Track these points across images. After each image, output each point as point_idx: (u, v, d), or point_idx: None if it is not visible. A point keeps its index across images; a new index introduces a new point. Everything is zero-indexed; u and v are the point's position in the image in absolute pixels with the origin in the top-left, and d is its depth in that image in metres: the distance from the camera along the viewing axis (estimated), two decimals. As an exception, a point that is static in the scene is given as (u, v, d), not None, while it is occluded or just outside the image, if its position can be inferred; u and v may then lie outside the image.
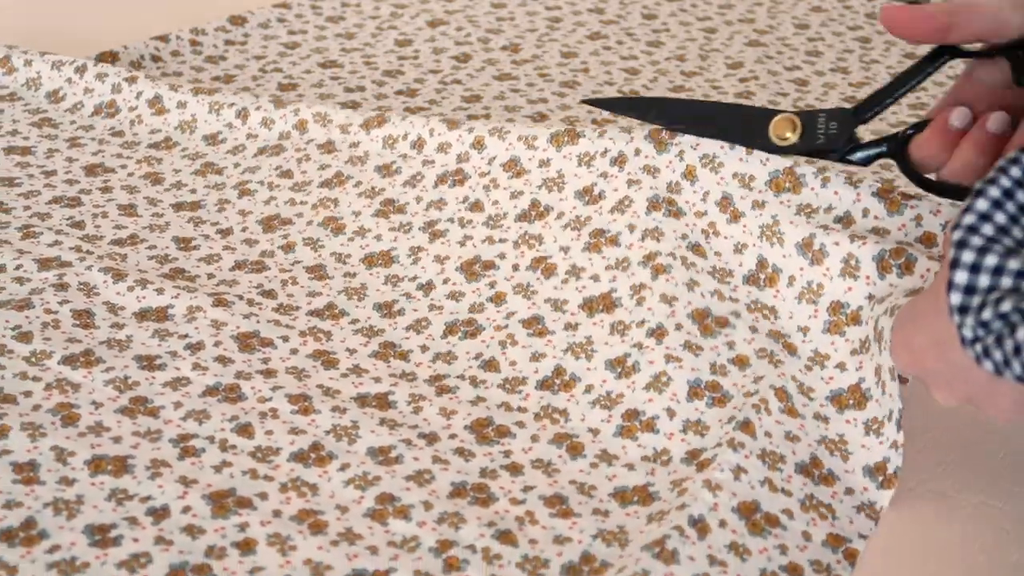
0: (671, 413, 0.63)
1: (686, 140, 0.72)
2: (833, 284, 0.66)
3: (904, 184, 0.74)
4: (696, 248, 0.71)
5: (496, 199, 0.77)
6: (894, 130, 0.72)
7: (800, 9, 1.25)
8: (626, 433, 0.62)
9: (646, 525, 0.56)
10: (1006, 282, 0.49)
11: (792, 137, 0.69)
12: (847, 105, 0.77)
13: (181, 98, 0.89)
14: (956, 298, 0.50)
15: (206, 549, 0.54)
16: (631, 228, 0.72)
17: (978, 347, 0.50)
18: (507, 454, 0.61)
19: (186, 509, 0.56)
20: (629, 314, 0.68)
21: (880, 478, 0.60)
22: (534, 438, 0.62)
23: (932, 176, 0.66)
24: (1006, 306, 0.48)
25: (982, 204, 0.51)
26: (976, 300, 0.50)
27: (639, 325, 0.67)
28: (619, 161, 0.74)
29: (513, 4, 1.22)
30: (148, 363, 0.65)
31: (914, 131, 0.65)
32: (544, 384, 0.65)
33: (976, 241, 0.50)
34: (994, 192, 0.51)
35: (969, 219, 0.51)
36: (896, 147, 0.66)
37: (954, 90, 0.65)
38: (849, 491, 0.59)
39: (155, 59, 1.03)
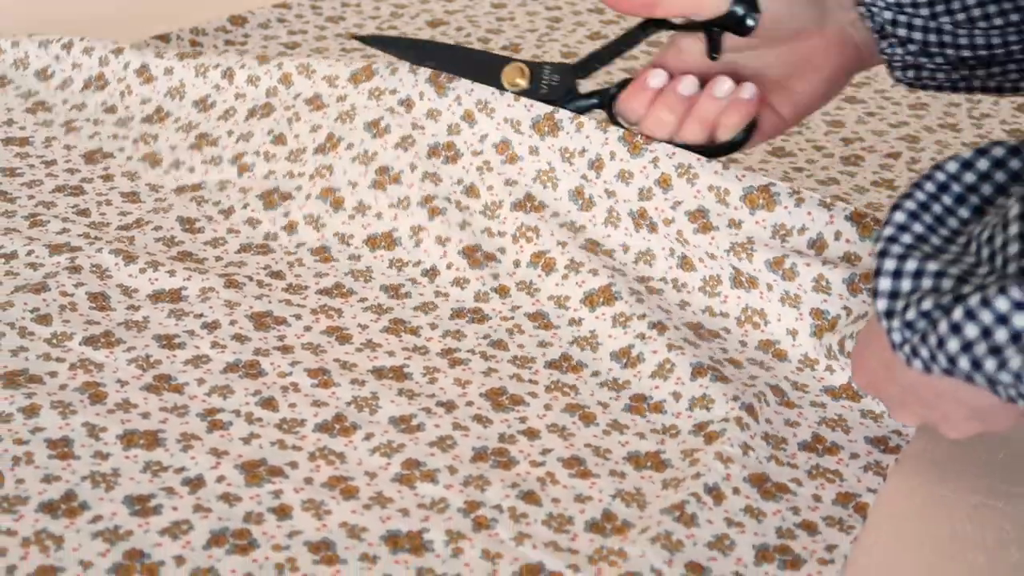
0: (677, 396, 0.65)
1: (661, 148, 0.72)
2: (808, 296, 0.69)
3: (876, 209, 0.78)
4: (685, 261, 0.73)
5: (491, 184, 0.78)
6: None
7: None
8: (635, 411, 0.65)
9: (662, 490, 0.59)
10: (927, 283, 0.52)
11: (522, 83, 0.76)
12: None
13: (167, 64, 0.89)
14: (882, 304, 0.54)
15: (244, 515, 0.56)
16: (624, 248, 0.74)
17: (906, 348, 0.53)
18: (523, 420, 0.63)
19: (220, 479, 0.58)
20: (630, 307, 0.70)
21: (882, 447, 0.63)
22: (547, 407, 0.64)
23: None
24: (927, 304, 0.52)
25: (900, 216, 0.55)
26: (900, 304, 0.53)
27: (640, 318, 0.69)
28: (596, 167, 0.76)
29: (513, 4, 1.22)
30: (167, 342, 0.67)
31: (619, 88, 0.74)
32: (552, 364, 0.68)
33: (896, 249, 0.54)
34: (910, 205, 0.55)
35: (889, 231, 0.55)
36: (606, 100, 0.75)
37: (658, 56, 0.73)
38: (854, 455, 0.62)
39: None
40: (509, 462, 0.60)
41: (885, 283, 0.53)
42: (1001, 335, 0.49)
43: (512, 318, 0.71)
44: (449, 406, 0.64)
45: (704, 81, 0.71)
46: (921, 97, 1.01)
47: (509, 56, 0.78)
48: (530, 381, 0.66)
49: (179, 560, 0.53)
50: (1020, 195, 0.51)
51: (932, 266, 0.53)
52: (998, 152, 0.55)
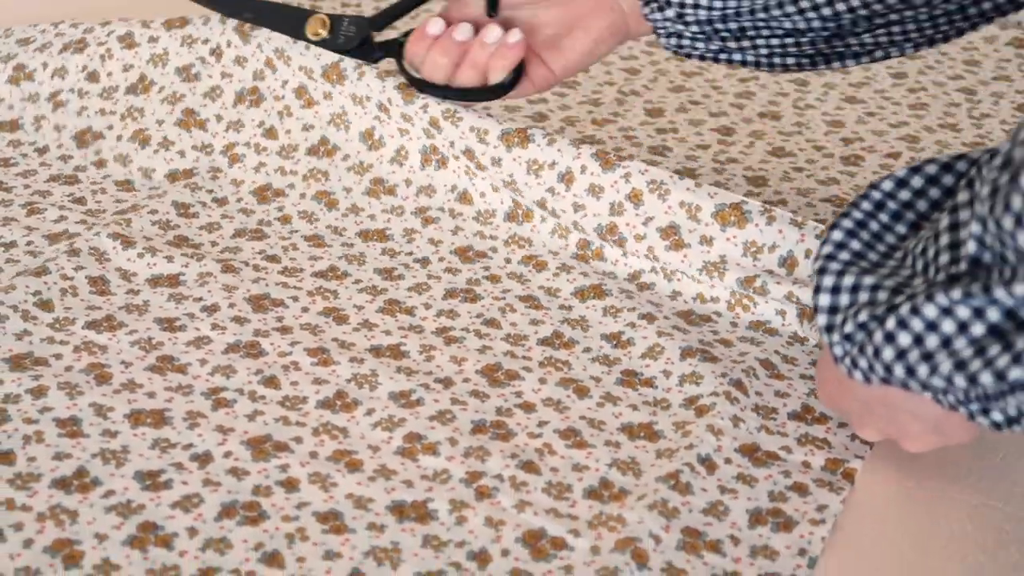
0: (667, 373, 0.67)
1: (633, 165, 0.74)
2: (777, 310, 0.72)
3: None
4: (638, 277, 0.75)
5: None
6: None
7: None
8: (627, 385, 0.67)
9: (656, 459, 0.61)
10: (863, 296, 0.55)
11: (323, 33, 0.81)
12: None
13: (152, 33, 0.87)
14: (822, 319, 0.56)
15: (253, 488, 0.57)
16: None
17: (847, 360, 0.55)
18: (519, 394, 0.65)
19: (227, 454, 0.59)
20: (620, 302, 0.72)
21: None
22: (542, 381, 0.66)
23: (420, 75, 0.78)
24: (863, 316, 0.54)
25: (837, 235, 0.57)
26: (839, 318, 0.55)
27: (630, 311, 0.71)
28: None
29: None
30: (169, 325, 0.68)
31: (407, 38, 0.78)
32: (544, 342, 0.70)
33: (834, 266, 0.56)
34: (847, 224, 0.58)
35: (827, 249, 0.57)
36: (395, 49, 0.79)
37: (442, 8, 0.78)
38: (843, 424, 0.64)
39: None
40: (507, 434, 0.62)
41: (824, 299, 0.56)
42: (932, 341, 0.51)
43: (503, 299, 0.73)
44: (447, 382, 0.65)
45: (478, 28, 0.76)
46: (921, 97, 1.02)
47: (313, 9, 0.84)
48: (524, 357, 0.68)
49: (192, 531, 0.54)
50: (951, 207, 0.53)
51: (868, 280, 0.55)
52: (931, 169, 0.57)
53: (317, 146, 0.82)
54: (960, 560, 0.57)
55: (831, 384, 0.61)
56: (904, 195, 0.58)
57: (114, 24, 0.88)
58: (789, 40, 0.73)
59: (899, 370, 0.52)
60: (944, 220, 0.53)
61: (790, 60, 0.75)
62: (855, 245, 0.57)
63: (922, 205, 0.58)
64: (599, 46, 0.76)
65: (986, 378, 0.49)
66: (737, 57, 0.75)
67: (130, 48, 0.87)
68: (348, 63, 0.80)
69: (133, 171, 0.83)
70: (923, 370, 0.51)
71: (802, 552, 0.56)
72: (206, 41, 0.85)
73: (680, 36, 0.75)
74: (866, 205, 0.58)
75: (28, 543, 0.53)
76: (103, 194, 0.81)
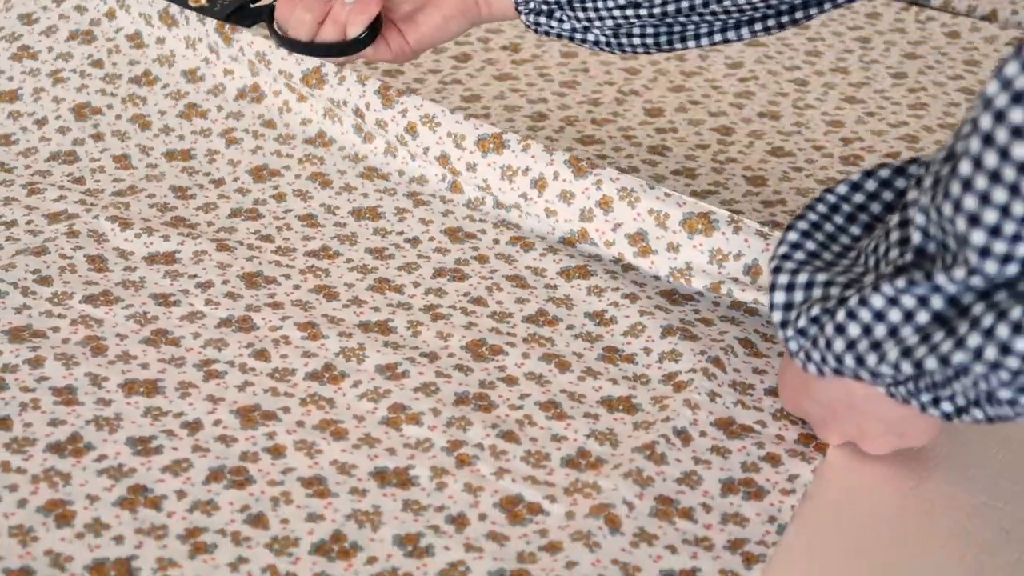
0: (648, 351, 0.69)
1: (604, 173, 0.75)
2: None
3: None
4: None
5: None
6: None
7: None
8: (608, 360, 0.68)
9: (633, 431, 0.63)
10: (817, 292, 0.57)
11: (203, 1, 0.87)
12: None
13: (159, 34, 0.91)
14: (777, 315, 0.58)
15: (240, 454, 0.59)
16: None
17: (801, 354, 0.57)
18: (502, 368, 0.67)
19: (217, 422, 0.61)
20: (604, 282, 0.74)
21: None
22: (525, 356, 0.68)
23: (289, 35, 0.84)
24: (816, 310, 0.56)
25: (792, 236, 0.59)
26: (793, 314, 0.57)
27: (614, 291, 0.73)
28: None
29: None
30: (163, 300, 0.70)
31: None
32: (529, 319, 0.72)
33: (789, 265, 0.58)
34: (803, 225, 0.60)
35: (782, 249, 0.59)
36: (267, 14, 0.85)
37: None
38: None
39: None
40: (489, 406, 0.64)
41: (780, 296, 0.58)
42: (879, 331, 0.53)
43: (491, 278, 0.75)
44: (432, 356, 0.67)
45: None
46: (921, 97, 1.03)
47: None
48: (508, 334, 0.70)
49: (180, 494, 0.56)
50: (901, 206, 0.54)
51: (822, 277, 0.57)
52: (884, 173, 0.59)
53: (313, 137, 0.85)
54: (960, 560, 0.57)
55: (792, 387, 0.63)
56: (858, 198, 0.60)
57: (121, 18, 0.91)
58: (629, 13, 0.78)
59: (849, 360, 0.54)
60: (895, 218, 0.54)
61: (636, 40, 0.80)
62: (810, 245, 0.59)
63: (875, 207, 0.60)
64: (449, 23, 0.84)
65: (931, 363, 0.51)
66: (592, 38, 0.81)
67: (138, 48, 0.91)
68: (328, 68, 0.83)
69: (131, 147, 0.85)
70: (872, 359, 0.53)
71: (772, 519, 0.58)
72: (201, 40, 0.89)
73: (539, 14, 0.81)
74: (821, 208, 0.60)
75: (22, 503, 0.55)
76: (101, 172, 0.83)
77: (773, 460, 0.62)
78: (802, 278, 0.57)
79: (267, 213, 0.80)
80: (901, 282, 0.52)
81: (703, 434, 0.63)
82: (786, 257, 0.59)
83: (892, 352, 0.52)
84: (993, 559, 0.57)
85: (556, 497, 0.58)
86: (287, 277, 0.73)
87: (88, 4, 0.91)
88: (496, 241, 0.78)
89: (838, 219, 0.60)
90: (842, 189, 0.60)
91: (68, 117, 0.87)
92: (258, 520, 0.55)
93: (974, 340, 0.49)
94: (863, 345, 0.53)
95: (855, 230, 0.60)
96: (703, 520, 0.58)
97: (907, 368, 0.52)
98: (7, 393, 0.62)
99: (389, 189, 0.82)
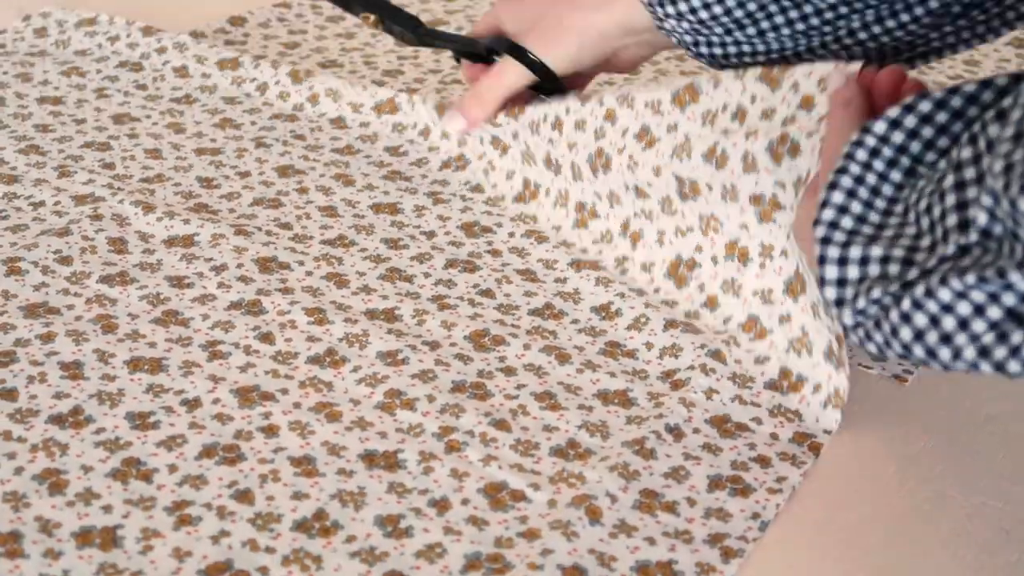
0: (649, 345, 0.69)
1: (605, 91, 0.79)
2: (742, 181, 0.70)
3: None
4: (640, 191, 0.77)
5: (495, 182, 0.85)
6: None
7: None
8: (608, 355, 0.69)
9: (626, 424, 0.63)
10: (874, 270, 0.54)
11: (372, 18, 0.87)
12: None
13: (205, 70, 0.97)
14: (831, 293, 0.55)
15: (235, 432, 0.60)
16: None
17: (860, 331, 0.54)
18: (502, 359, 0.67)
19: (216, 401, 0.62)
20: (612, 274, 0.75)
21: (835, 360, 0.65)
22: (526, 347, 0.69)
23: None
24: (876, 292, 0.53)
25: (837, 196, 0.56)
26: (850, 292, 0.54)
27: (621, 283, 0.74)
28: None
29: None
30: (178, 282, 0.72)
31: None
32: (535, 312, 0.72)
33: (839, 236, 0.55)
34: (846, 182, 0.56)
35: (828, 214, 0.56)
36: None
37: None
38: (817, 387, 0.66)
39: None
40: (485, 394, 0.65)
41: (831, 271, 0.55)
42: (948, 323, 0.50)
43: (502, 271, 0.75)
44: (434, 345, 0.68)
45: None
46: None
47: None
48: (512, 326, 0.71)
49: (172, 468, 0.58)
50: (954, 164, 0.52)
51: (876, 251, 0.54)
52: (924, 107, 0.56)
53: (342, 148, 0.88)
54: (960, 560, 0.57)
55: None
56: (897, 137, 0.56)
57: (170, 52, 0.95)
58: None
59: (919, 350, 0.52)
60: (949, 178, 0.52)
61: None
62: (856, 207, 0.56)
63: (915, 147, 0.56)
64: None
65: (1015, 367, 0.49)
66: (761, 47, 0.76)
67: (183, 78, 0.96)
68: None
69: (163, 143, 0.87)
70: (945, 353, 0.51)
71: (755, 516, 0.58)
72: (253, 80, 0.95)
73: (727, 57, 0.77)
74: (861, 155, 0.56)
75: (19, 471, 0.57)
76: (132, 160, 0.85)
77: (763, 462, 0.62)
78: (855, 252, 0.54)
79: (288, 203, 0.81)
80: (971, 278, 0.49)
81: (696, 431, 0.63)
82: (833, 225, 0.55)
83: (968, 350, 0.50)
84: (993, 559, 0.57)
85: (540, 485, 0.58)
86: (300, 263, 0.74)
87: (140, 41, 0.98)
88: (511, 235, 0.79)
89: (879, 165, 0.56)
90: (880, 128, 0.56)
91: (107, 121, 0.90)
92: (244, 496, 0.57)
93: None
94: (932, 337, 0.51)
95: (896, 176, 0.56)
96: (686, 514, 0.58)
97: (987, 368, 0.50)
98: (16, 366, 0.64)
99: (410, 189, 0.83)
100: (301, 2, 1.21)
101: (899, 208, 0.56)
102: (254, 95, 0.95)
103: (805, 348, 0.67)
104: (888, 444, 0.63)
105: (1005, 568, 0.57)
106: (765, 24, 0.74)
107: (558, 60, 0.81)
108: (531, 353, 0.68)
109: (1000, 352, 0.49)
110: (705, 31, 0.75)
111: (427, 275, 0.75)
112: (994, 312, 0.49)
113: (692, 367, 0.67)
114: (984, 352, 0.49)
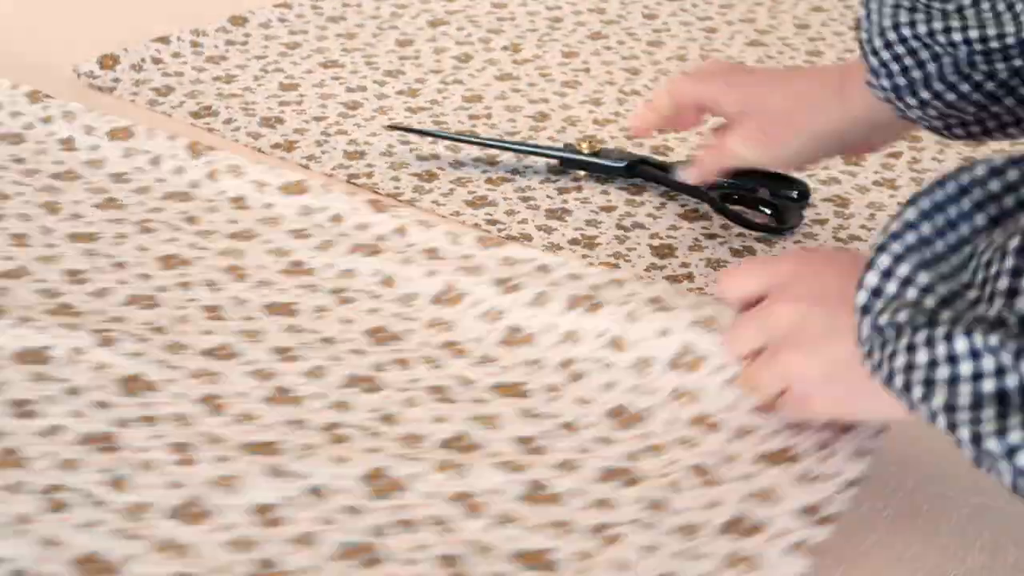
0: (550, 327, 0.69)
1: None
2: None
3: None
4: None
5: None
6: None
7: (800, 9, 1.28)
8: (507, 343, 0.68)
9: (517, 418, 0.63)
10: (911, 294, 0.51)
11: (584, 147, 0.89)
12: None
13: (94, 141, 0.89)
14: (862, 297, 0.52)
15: (115, 420, 0.60)
16: None
17: (866, 345, 0.52)
18: (397, 352, 0.68)
19: (100, 387, 0.63)
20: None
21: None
22: (424, 343, 0.68)
23: None
24: (902, 316, 0.50)
25: (911, 213, 0.52)
26: (879, 304, 0.52)
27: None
28: None
29: (514, 4, 1.25)
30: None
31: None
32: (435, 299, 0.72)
33: (896, 248, 0.52)
34: (925, 204, 0.53)
35: (895, 226, 0.52)
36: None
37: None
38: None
39: (156, 61, 1.04)
40: (376, 388, 0.64)
41: (872, 278, 0.52)
42: (941, 372, 0.48)
43: (405, 252, 0.76)
44: (329, 340, 0.68)
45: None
46: None
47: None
48: (410, 319, 0.70)
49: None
50: (1023, 227, 0.49)
51: (923, 278, 0.51)
52: None
53: (239, 233, 0.80)
54: (960, 560, 0.57)
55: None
56: (994, 185, 0.52)
57: (57, 122, 0.90)
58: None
59: (898, 380, 0.50)
60: (1016, 240, 0.48)
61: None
62: (925, 229, 0.52)
63: (1009, 201, 0.52)
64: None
65: (964, 433, 0.47)
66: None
67: (68, 151, 0.89)
68: (313, 182, 0.79)
69: (32, 227, 0.79)
70: (917, 392, 0.49)
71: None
72: (147, 152, 0.88)
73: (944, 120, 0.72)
74: (951, 187, 0.53)
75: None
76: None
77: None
78: (903, 269, 0.51)
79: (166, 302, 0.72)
80: (994, 339, 0.46)
81: (592, 424, 0.62)
82: (896, 236, 0.52)
83: (937, 399, 0.48)
84: (993, 559, 0.57)
85: (424, 475, 0.57)
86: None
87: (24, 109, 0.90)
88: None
89: (966, 203, 0.53)
90: (980, 171, 0.52)
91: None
92: (118, 484, 0.56)
93: None
94: (918, 375, 0.49)
95: (980, 220, 0.52)
96: (573, 505, 0.57)
97: (941, 423, 0.48)
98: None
99: (311, 285, 0.75)
100: (302, 2, 1.20)
101: (967, 250, 0.52)
102: (146, 169, 0.87)
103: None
104: (888, 444, 0.61)
105: (1005, 568, 0.56)
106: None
107: (780, 161, 0.78)
108: (428, 348, 0.68)
109: (962, 416, 0.47)
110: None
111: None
112: (988, 385, 0.47)
113: (589, 359, 0.66)
114: (949, 409, 0.47)
